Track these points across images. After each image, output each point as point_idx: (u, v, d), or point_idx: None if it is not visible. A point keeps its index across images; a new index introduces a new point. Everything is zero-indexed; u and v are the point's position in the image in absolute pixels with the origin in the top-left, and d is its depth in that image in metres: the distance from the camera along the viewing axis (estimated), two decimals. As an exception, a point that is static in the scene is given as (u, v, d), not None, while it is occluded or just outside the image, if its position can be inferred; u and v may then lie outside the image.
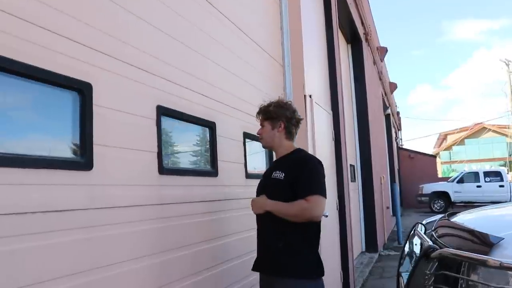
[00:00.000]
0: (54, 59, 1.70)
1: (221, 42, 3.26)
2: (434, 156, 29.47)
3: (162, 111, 2.35)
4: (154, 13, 2.42)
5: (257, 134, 2.58)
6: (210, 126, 2.90)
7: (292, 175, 2.32)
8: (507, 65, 31.83)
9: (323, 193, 2.30)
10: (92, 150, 1.82)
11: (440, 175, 32.58)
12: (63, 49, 1.76)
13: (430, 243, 2.26)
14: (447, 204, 19.05)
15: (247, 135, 3.54)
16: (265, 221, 2.45)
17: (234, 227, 3.11)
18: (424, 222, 3.27)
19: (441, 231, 2.89)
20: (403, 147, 27.48)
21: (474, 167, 32.89)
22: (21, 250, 1.49)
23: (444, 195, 19.23)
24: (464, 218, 2.94)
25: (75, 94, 1.81)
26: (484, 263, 1.76)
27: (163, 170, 2.31)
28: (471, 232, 2.35)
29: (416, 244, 3.28)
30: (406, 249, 3.15)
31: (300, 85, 4.63)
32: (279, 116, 2.49)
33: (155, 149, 2.28)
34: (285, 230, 2.31)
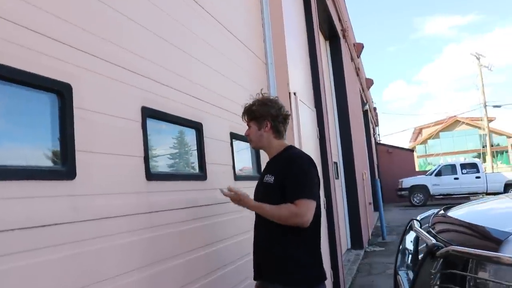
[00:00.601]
0: (29, 58, 1.54)
1: (205, 39, 3.13)
2: (411, 150, 29.93)
3: (148, 113, 2.20)
4: (137, 9, 2.27)
5: (245, 135, 2.47)
6: (197, 127, 2.76)
7: (280, 178, 2.21)
8: (478, 58, 32.63)
9: (312, 196, 2.17)
10: (74, 157, 1.66)
11: (417, 169, 33.12)
12: (39, 46, 1.59)
13: (434, 241, 2.19)
14: (426, 197, 19.32)
15: (234, 136, 3.41)
16: (259, 225, 2.34)
17: (227, 232, 2.98)
18: (418, 218, 3.21)
19: (439, 227, 2.83)
20: (381, 142, 27.80)
21: (449, 160, 33.61)
22: (1, 272, 1.32)
23: (423, 189, 19.50)
24: (461, 213, 2.88)
25: (53, 96, 1.64)
26: (497, 261, 1.68)
27: (150, 175, 2.16)
28: (473, 227, 2.28)
29: (411, 241, 3.23)
30: (402, 246, 3.09)
31: (284, 83, 4.53)
32: (264, 115, 2.36)
33: (142, 154, 2.13)
34: (278, 234, 2.20)
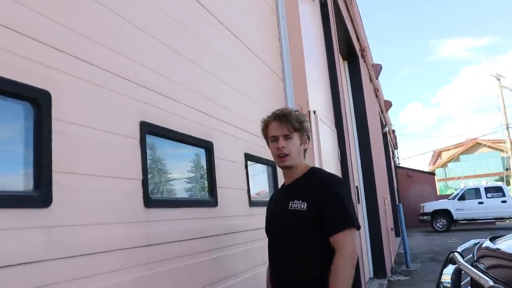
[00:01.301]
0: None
1: (218, 51, 2.85)
2: (432, 174, 29.13)
3: (148, 129, 1.90)
4: (140, 13, 2.00)
5: (281, 147, 1.97)
6: (207, 146, 2.45)
7: (317, 205, 1.86)
8: (498, 79, 31.94)
9: (355, 223, 1.86)
10: (50, 179, 1.35)
11: (438, 193, 32.17)
12: (11, 45, 1.31)
13: (490, 282, 1.81)
14: (450, 223, 18.53)
15: (249, 157, 3.08)
16: (282, 250, 1.96)
17: (240, 265, 2.62)
18: (459, 249, 2.81)
19: (488, 262, 2.43)
20: (401, 165, 27.12)
21: (470, 183, 32.56)
22: None
23: (445, 213, 18.71)
24: (506, 245, 2.48)
25: (27, 105, 1.35)
26: None
27: (149, 202, 1.84)
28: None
29: (449, 275, 2.82)
30: (446, 284, 2.69)
31: (303, 100, 4.22)
32: (307, 129, 2.04)
33: (139, 176, 1.81)
34: (311, 261, 1.85)
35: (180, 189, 2.24)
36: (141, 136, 1.85)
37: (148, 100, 1.95)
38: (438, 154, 56.43)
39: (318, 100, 4.86)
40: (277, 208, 2.05)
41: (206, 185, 2.43)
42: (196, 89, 2.43)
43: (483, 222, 18.46)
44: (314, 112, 4.27)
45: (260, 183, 3.55)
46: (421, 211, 19.36)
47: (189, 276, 2.07)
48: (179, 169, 2.26)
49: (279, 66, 4.24)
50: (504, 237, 2.77)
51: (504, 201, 17.85)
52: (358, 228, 1.86)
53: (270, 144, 2.05)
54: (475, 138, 47.39)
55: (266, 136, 2.10)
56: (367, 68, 11.63)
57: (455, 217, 18.53)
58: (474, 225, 19.00)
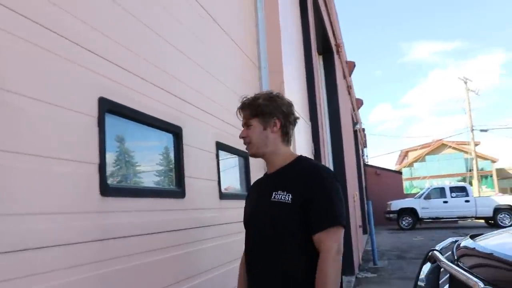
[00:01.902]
0: None
1: (192, 31, 2.62)
2: (399, 173, 29.67)
3: (108, 107, 1.66)
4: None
5: (242, 136, 1.84)
6: (175, 131, 2.23)
7: (302, 197, 1.67)
8: (466, 83, 32.84)
9: (341, 221, 1.68)
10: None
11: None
12: None
13: (480, 283, 1.68)
14: (415, 221, 18.89)
15: (220, 146, 2.87)
16: (262, 245, 1.77)
17: (209, 262, 2.42)
18: (438, 247, 2.70)
19: (470, 261, 2.33)
20: (369, 163, 27.49)
21: (435, 183, 33.39)
22: None
23: (411, 212, 19.05)
24: (494, 244, 2.38)
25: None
26: None
27: (107, 190, 1.61)
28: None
29: (426, 273, 2.71)
30: (421, 282, 2.57)
31: (279, 91, 4.03)
32: (273, 111, 1.81)
33: (96, 160, 1.58)
34: (294, 258, 1.68)
35: (143, 177, 2.01)
36: (99, 114, 1.61)
37: (110, 75, 1.71)
38: (405, 154, 57.72)
39: (294, 92, 4.69)
40: (259, 199, 1.84)
41: (173, 174, 2.21)
42: (166, 68, 2.20)
43: (447, 220, 18.91)
44: (290, 103, 4.09)
45: (231, 175, 3.35)
46: (388, 209, 19.64)
47: (151, 275, 1.85)
48: (144, 155, 2.03)
49: (255, 54, 4.04)
50: (484, 235, 2.68)
51: (467, 201, 18.31)
52: (344, 226, 1.69)
53: None
54: (440, 140, 48.72)
55: None
56: (342, 64, 11.59)
57: (420, 215, 18.90)
58: (438, 224, 19.45)
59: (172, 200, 2.10)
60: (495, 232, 2.89)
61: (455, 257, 2.44)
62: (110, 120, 1.68)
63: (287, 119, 1.84)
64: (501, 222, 17.49)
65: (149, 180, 2.03)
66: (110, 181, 1.65)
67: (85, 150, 1.54)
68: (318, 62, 8.86)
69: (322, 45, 9.04)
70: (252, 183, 2.12)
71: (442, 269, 2.52)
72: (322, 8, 7.66)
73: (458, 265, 2.22)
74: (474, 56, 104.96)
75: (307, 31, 5.85)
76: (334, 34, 9.58)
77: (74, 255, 1.44)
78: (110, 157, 1.65)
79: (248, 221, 1.85)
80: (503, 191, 45.34)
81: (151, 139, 2.09)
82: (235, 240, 2.84)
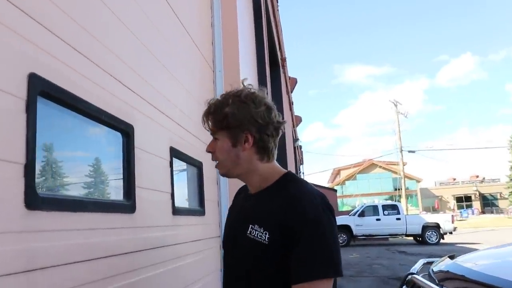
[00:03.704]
0: None
1: (149, 15, 2.22)
2: (334, 190, 30.40)
3: (41, 87, 1.22)
4: None
5: (208, 151, 1.44)
6: (126, 130, 1.80)
7: (283, 239, 1.26)
8: (396, 105, 34.61)
9: (336, 269, 1.25)
10: None
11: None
12: None
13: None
14: (349, 238, 19.21)
15: (175, 153, 2.46)
16: (231, 282, 1.39)
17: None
18: (413, 271, 2.48)
19: (453, 285, 2.12)
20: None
21: (365, 201, 34.57)
22: None
23: (346, 229, 19.37)
24: (474, 265, 2.19)
25: None
26: None
27: (35, 201, 1.16)
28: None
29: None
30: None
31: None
32: (244, 122, 1.37)
33: (21, 159, 1.13)
34: None
35: (84, 186, 1.55)
36: (29, 96, 1.17)
37: (46, 46, 1.27)
38: (337, 172, 59.63)
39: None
40: (235, 222, 1.45)
41: (121, 183, 1.78)
42: (116, 50, 1.78)
43: (379, 238, 19.44)
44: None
45: (183, 187, 2.93)
46: (324, 226, 19.82)
47: (91, 314, 1.40)
48: (86, 157, 1.58)
49: (210, 55, 3.68)
50: (462, 256, 2.50)
51: (398, 219, 18.96)
52: (339, 275, 1.27)
53: None
54: (371, 159, 50.89)
55: None
56: (286, 79, 11.55)
57: (354, 232, 19.25)
58: (371, 240, 19.93)
59: (120, 216, 1.66)
60: (473, 252, 2.74)
61: (436, 281, 2.22)
62: (44, 107, 1.24)
63: (264, 132, 1.39)
64: (429, 239, 18.26)
65: (91, 189, 1.58)
66: (40, 189, 1.20)
67: (6, 143, 1.09)
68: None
69: (269, 57, 8.89)
70: (236, 192, 1.69)
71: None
72: (272, 18, 7.51)
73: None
74: (401, 81, 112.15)
75: (260, 40, 5.62)
76: (280, 48, 9.49)
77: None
78: (41, 156, 1.20)
79: (224, 245, 1.47)
80: (426, 209, 48.20)
81: (96, 137, 1.65)
82: (189, 263, 2.43)
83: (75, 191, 1.45)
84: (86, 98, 1.47)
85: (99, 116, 1.57)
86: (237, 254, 1.36)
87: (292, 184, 1.40)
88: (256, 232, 1.29)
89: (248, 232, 1.31)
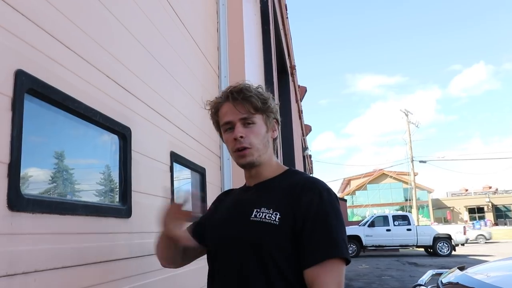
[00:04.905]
0: None
1: (152, 20, 2.19)
2: (344, 200, 30.14)
3: (29, 85, 1.18)
4: None
5: (239, 136, 1.32)
6: (123, 133, 1.76)
7: (295, 219, 1.24)
8: (407, 115, 34.35)
9: (345, 253, 1.24)
10: None
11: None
12: None
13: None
14: (359, 248, 18.97)
15: (176, 157, 2.42)
16: (231, 276, 1.31)
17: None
18: (422, 282, 2.39)
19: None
20: (315, 190, 27.59)
21: (375, 211, 34.22)
22: None
23: (355, 239, 19.14)
24: (485, 277, 2.10)
25: None
26: None
27: (20, 202, 1.11)
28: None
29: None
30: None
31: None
32: (274, 111, 1.41)
33: (5, 158, 1.09)
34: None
35: (76, 188, 1.50)
36: (15, 93, 1.13)
37: (35, 42, 1.24)
38: (347, 182, 59.21)
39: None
40: (230, 214, 1.40)
41: (117, 186, 1.73)
42: (112, 50, 1.74)
43: (390, 248, 19.16)
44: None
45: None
46: (333, 236, 19.61)
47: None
48: (77, 158, 1.53)
49: (215, 60, 3.65)
50: (471, 268, 2.40)
51: (409, 229, 18.67)
52: (348, 261, 1.27)
53: (224, 135, 1.40)
54: (381, 169, 50.43)
55: (217, 124, 1.43)
56: (295, 88, 11.50)
57: (364, 243, 19.01)
58: (381, 251, 19.66)
59: (114, 220, 1.61)
60: (484, 264, 2.64)
61: (445, 294, 2.14)
62: (31, 105, 1.20)
63: (279, 122, 1.46)
64: (440, 251, 17.94)
65: (83, 192, 1.53)
66: (25, 189, 1.16)
67: (-13, 142, 1.05)
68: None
69: (278, 65, 8.86)
70: (220, 194, 1.66)
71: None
72: (280, 26, 7.49)
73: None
74: (413, 91, 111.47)
75: (268, 47, 5.58)
76: (289, 56, 9.46)
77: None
78: (27, 156, 1.16)
79: (212, 240, 1.40)
80: (437, 220, 47.52)
81: (90, 138, 1.60)
82: (188, 271, 2.37)
83: (65, 193, 1.40)
84: (78, 98, 1.42)
85: (93, 117, 1.53)
86: (238, 244, 1.29)
87: (299, 173, 1.45)
88: (264, 214, 1.26)
89: (253, 215, 1.26)
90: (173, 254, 1.49)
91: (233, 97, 1.36)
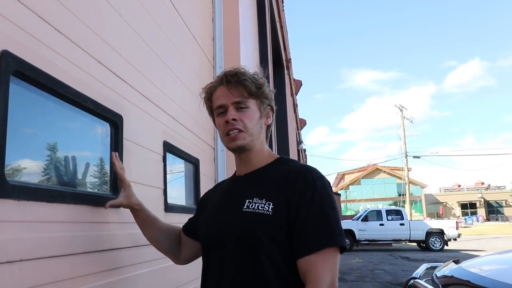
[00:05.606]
0: None
1: (148, 9, 2.14)
2: (338, 195, 30.22)
3: (15, 66, 1.13)
4: None
5: (231, 119, 1.30)
6: (114, 120, 1.71)
7: (288, 208, 1.22)
8: (401, 110, 34.42)
9: (341, 240, 1.23)
10: None
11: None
12: None
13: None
14: (352, 242, 19.05)
15: (169, 147, 2.38)
16: (226, 269, 1.28)
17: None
18: (416, 275, 2.37)
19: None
20: (309, 184, 27.66)
21: (368, 206, 34.37)
22: None
23: (349, 233, 19.20)
24: (479, 270, 2.08)
25: None
26: None
27: (4, 189, 1.07)
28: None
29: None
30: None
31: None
32: (269, 97, 1.39)
33: (-12, 143, 1.04)
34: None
35: (63, 176, 1.46)
36: (0, 76, 1.08)
37: (21, 22, 1.19)
38: (341, 177, 59.44)
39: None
40: (222, 207, 1.37)
41: (108, 175, 1.69)
42: (103, 34, 1.69)
43: (383, 243, 19.26)
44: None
45: (178, 184, 2.84)
46: (327, 230, 19.67)
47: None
48: (67, 146, 1.49)
49: (210, 51, 3.60)
50: (468, 261, 2.39)
51: (402, 224, 18.77)
52: (344, 248, 1.25)
53: (217, 119, 1.38)
54: (375, 164, 50.63)
55: (211, 109, 1.42)
56: (290, 81, 11.45)
57: (357, 237, 19.09)
58: (374, 246, 19.76)
59: (104, 210, 1.57)
60: (478, 258, 2.63)
61: (440, 286, 2.12)
62: (17, 88, 1.15)
63: (273, 109, 1.44)
64: (433, 246, 18.06)
65: (72, 180, 1.49)
66: (9, 175, 1.11)
67: (-29, 125, 1.01)
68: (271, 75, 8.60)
69: (273, 58, 8.80)
70: (208, 190, 1.64)
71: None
72: (276, 18, 7.43)
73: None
74: (408, 86, 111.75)
75: (264, 39, 5.52)
76: (285, 49, 9.41)
77: None
78: (12, 140, 1.11)
79: (206, 235, 1.37)
80: (430, 215, 47.89)
81: (80, 125, 1.56)
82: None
83: (53, 181, 1.36)
84: (68, 83, 1.38)
85: (84, 103, 1.48)
86: (231, 236, 1.26)
87: (292, 161, 1.42)
88: (256, 204, 1.24)
89: (245, 206, 1.24)
90: (153, 234, 1.56)
91: (227, 80, 1.34)
